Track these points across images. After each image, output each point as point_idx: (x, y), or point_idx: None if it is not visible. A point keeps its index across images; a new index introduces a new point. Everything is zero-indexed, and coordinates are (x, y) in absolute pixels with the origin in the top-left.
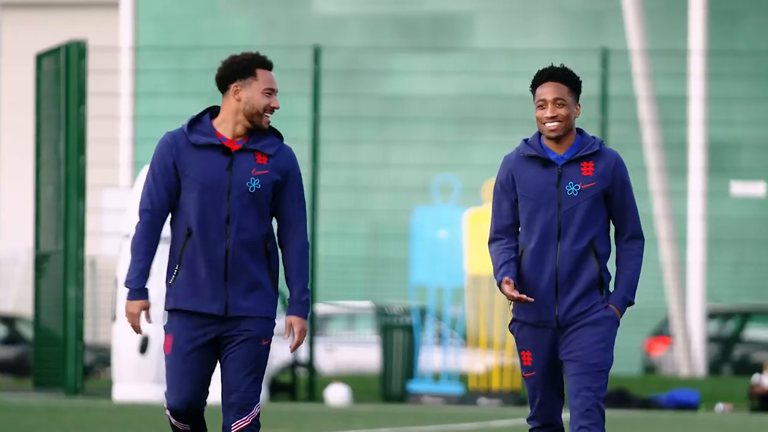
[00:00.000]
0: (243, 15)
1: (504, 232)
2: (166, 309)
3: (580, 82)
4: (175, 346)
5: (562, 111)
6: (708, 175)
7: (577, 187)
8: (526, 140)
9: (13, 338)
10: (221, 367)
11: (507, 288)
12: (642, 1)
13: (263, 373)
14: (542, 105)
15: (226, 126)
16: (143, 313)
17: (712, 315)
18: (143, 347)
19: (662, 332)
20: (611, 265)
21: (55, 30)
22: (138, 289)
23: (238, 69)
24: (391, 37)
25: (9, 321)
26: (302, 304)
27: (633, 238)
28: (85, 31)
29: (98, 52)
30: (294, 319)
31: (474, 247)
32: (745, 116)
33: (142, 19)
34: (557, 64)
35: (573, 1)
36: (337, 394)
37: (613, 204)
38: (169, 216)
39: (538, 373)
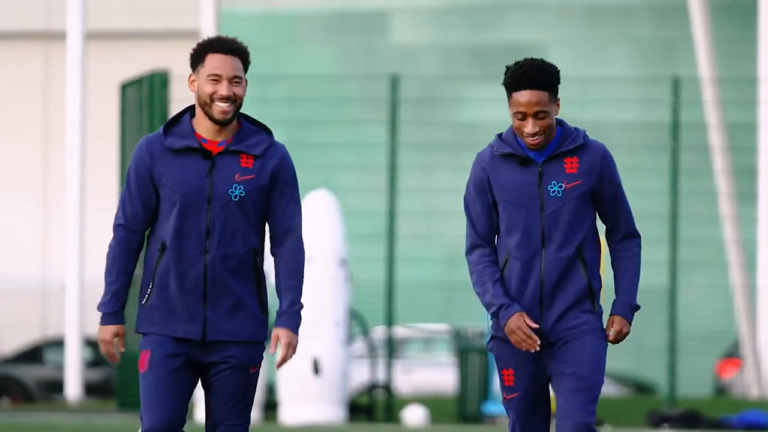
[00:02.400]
0: (322, 44)
1: (482, 240)
2: (136, 332)
3: (559, 76)
4: (152, 364)
5: (544, 123)
6: None
7: (561, 186)
8: (500, 135)
9: (98, 361)
10: (205, 393)
11: (519, 320)
12: (712, 29)
13: (252, 400)
14: (521, 117)
15: (201, 124)
16: (117, 340)
17: None
18: (316, 368)
19: (733, 354)
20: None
21: (138, 60)
22: (111, 314)
23: (193, 57)
24: (466, 66)
25: (94, 344)
26: (291, 315)
27: (628, 236)
28: (169, 61)
29: (181, 82)
30: (281, 331)
31: None
32: None
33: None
34: (532, 60)
35: (644, 30)
36: (414, 415)
37: (604, 203)
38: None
39: (522, 395)
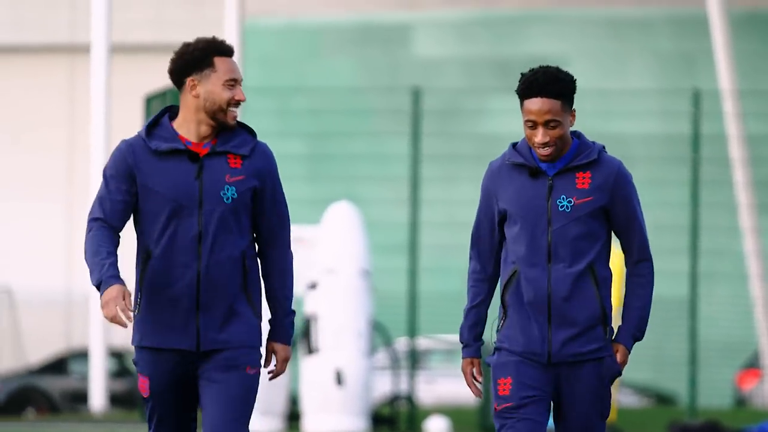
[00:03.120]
0: (344, 57)
1: (480, 253)
2: (132, 344)
3: (575, 86)
4: (153, 392)
5: (555, 133)
6: None
7: (570, 201)
8: (514, 145)
9: (123, 372)
10: (201, 404)
11: (466, 367)
12: (732, 42)
13: (251, 410)
14: (532, 126)
15: (188, 127)
16: (122, 301)
17: None
18: (339, 379)
19: (753, 365)
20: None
21: (162, 72)
22: (114, 276)
23: (192, 60)
24: (488, 78)
25: (119, 355)
26: (285, 328)
27: (641, 261)
28: None
29: None
30: (277, 345)
31: None
32: None
33: (248, 60)
34: (546, 68)
35: (665, 43)
36: (436, 426)
37: (617, 222)
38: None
39: (516, 406)
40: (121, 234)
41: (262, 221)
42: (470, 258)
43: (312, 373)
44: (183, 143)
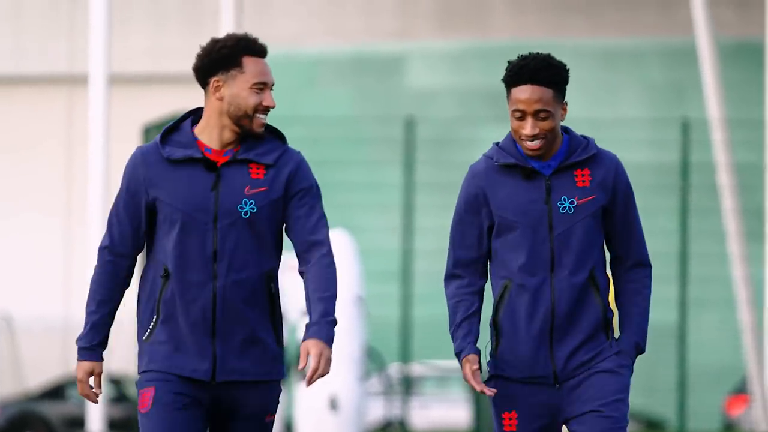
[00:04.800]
0: (340, 86)
1: (465, 267)
2: (139, 371)
3: (568, 75)
4: (157, 401)
5: (545, 125)
6: None
7: (573, 202)
8: (497, 144)
9: (120, 398)
10: None
11: (468, 370)
12: (721, 72)
13: None
14: (520, 116)
15: (210, 133)
16: (93, 380)
17: None
18: (333, 405)
19: (741, 391)
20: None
21: (161, 102)
22: (87, 348)
23: (219, 58)
24: (481, 108)
25: (116, 381)
26: (322, 326)
27: (638, 265)
28: (191, 104)
29: None
30: (311, 342)
31: None
32: None
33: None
34: (536, 54)
35: (655, 73)
36: None
37: (614, 223)
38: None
39: None
40: (137, 257)
41: (295, 235)
42: (450, 278)
43: (306, 399)
44: (201, 150)
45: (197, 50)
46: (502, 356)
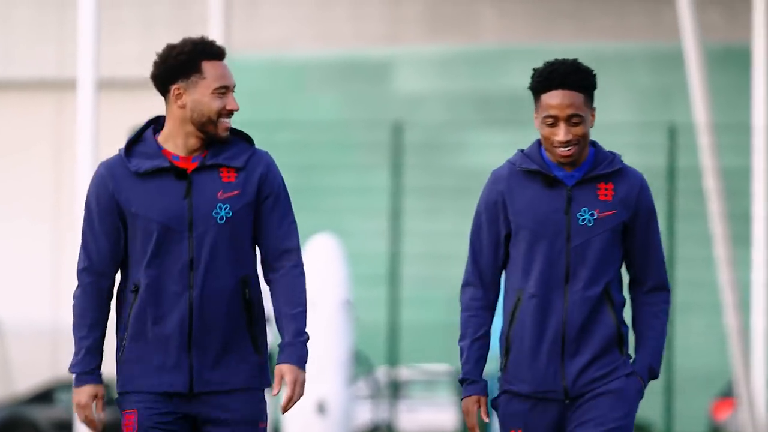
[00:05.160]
0: (328, 91)
1: (481, 275)
2: (117, 391)
3: (596, 79)
4: (141, 426)
5: (578, 130)
6: None
7: (593, 214)
8: (522, 151)
9: (109, 401)
10: None
11: (472, 407)
12: (708, 77)
13: None
14: (551, 122)
15: (175, 141)
16: (95, 404)
17: None
18: (320, 409)
19: (728, 395)
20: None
21: (150, 107)
22: (86, 372)
23: (177, 65)
24: (469, 113)
25: (105, 386)
26: (295, 348)
27: (657, 289)
28: None
29: None
30: (285, 367)
31: None
32: None
33: (234, 95)
34: (564, 60)
35: (642, 77)
36: None
37: (635, 242)
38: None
39: None
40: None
41: (265, 240)
42: (467, 285)
43: (296, 405)
44: (168, 159)
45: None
46: (512, 371)
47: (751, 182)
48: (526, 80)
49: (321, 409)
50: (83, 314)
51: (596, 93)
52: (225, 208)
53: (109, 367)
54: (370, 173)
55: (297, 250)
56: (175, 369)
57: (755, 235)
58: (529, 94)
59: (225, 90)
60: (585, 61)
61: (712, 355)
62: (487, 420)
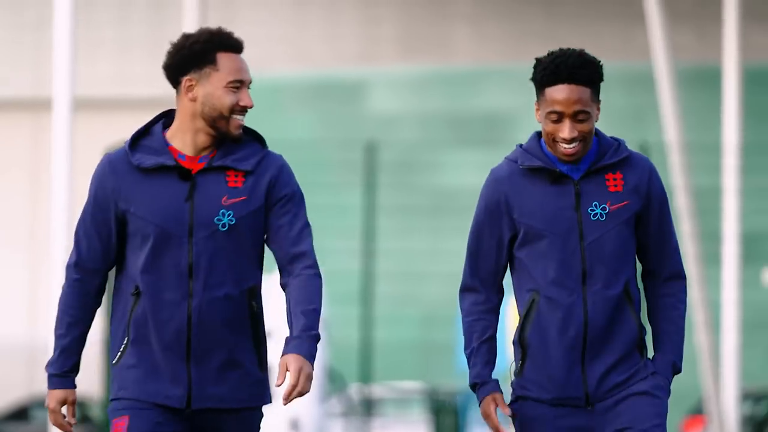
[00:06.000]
0: (303, 111)
1: (482, 280)
2: (111, 398)
3: (602, 72)
4: (132, 425)
5: (584, 127)
6: (742, 264)
7: (605, 208)
8: (521, 146)
9: (84, 419)
10: None
11: (491, 409)
12: (679, 96)
13: None
14: (556, 118)
15: (183, 137)
16: (66, 409)
17: (746, 396)
18: (294, 426)
19: (698, 412)
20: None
21: (125, 127)
22: (58, 375)
23: (191, 54)
24: (443, 132)
25: (80, 404)
26: (304, 341)
27: (674, 278)
28: None
29: None
30: (291, 357)
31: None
32: None
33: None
34: (570, 50)
35: (614, 97)
36: None
37: (649, 232)
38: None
39: None
40: (108, 274)
41: (277, 245)
42: (466, 290)
43: (267, 420)
44: (174, 157)
45: (163, 75)
46: (529, 376)
47: (722, 201)
48: (501, 100)
49: (294, 426)
50: (65, 311)
51: None
52: (228, 215)
53: (81, 385)
54: (343, 192)
55: (310, 254)
56: (173, 381)
57: (726, 254)
58: (503, 114)
59: (240, 84)
60: None
61: (683, 373)
62: (509, 414)
